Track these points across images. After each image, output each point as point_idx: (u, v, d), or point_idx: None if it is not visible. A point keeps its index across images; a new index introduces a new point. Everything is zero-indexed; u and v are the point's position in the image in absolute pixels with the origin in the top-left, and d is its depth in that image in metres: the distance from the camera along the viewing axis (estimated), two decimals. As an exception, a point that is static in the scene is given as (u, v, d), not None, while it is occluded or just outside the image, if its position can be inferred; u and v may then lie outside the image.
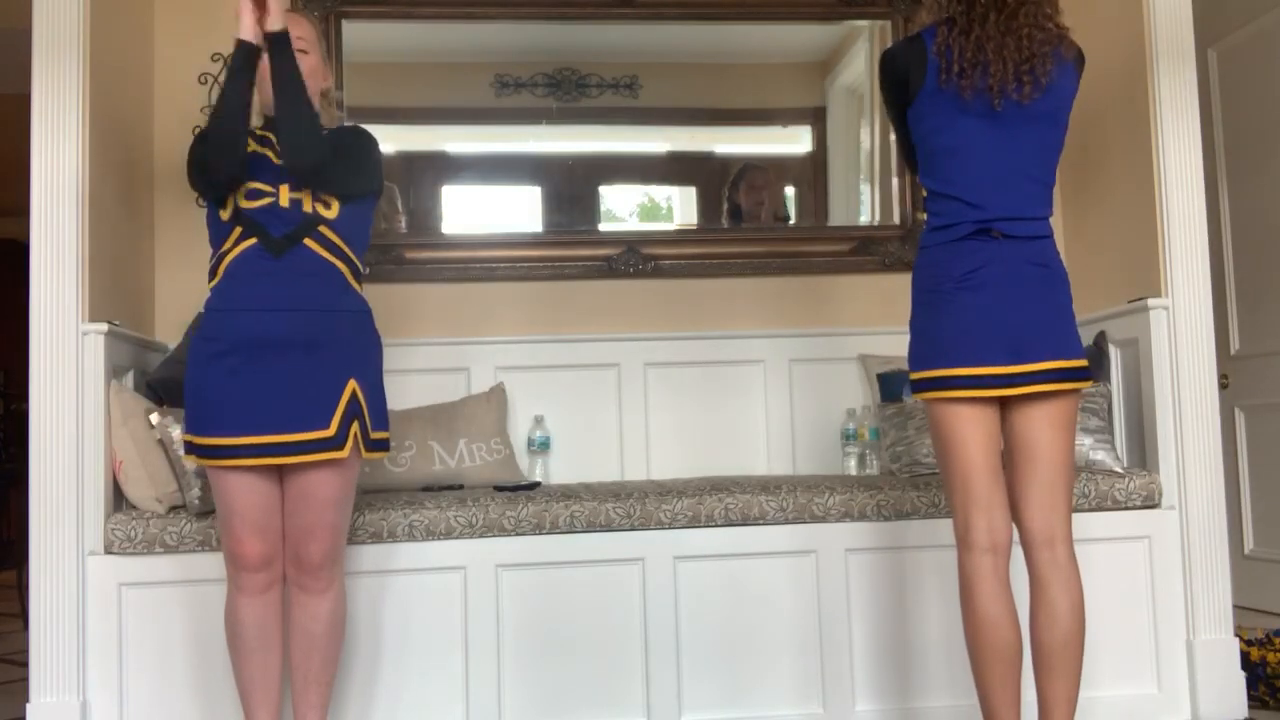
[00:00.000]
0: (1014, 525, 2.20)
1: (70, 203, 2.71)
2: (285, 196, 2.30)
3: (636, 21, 3.66)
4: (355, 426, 2.29)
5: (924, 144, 2.22)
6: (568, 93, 3.64)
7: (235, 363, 2.25)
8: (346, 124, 2.53)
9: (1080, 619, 2.14)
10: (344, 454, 2.27)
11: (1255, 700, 2.99)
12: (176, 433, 2.62)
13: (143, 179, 3.27)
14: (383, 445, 2.38)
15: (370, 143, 2.43)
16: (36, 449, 2.63)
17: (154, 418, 2.66)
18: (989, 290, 2.12)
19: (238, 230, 2.30)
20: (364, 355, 2.36)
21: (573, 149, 3.65)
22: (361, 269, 2.42)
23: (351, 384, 2.30)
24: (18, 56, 3.30)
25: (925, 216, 2.25)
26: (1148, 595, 2.88)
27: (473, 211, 3.63)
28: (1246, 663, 2.97)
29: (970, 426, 2.14)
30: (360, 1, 3.53)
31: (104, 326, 2.69)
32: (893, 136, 3.69)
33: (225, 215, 2.32)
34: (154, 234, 3.35)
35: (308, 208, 2.31)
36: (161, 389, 2.84)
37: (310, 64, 2.38)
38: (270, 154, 2.35)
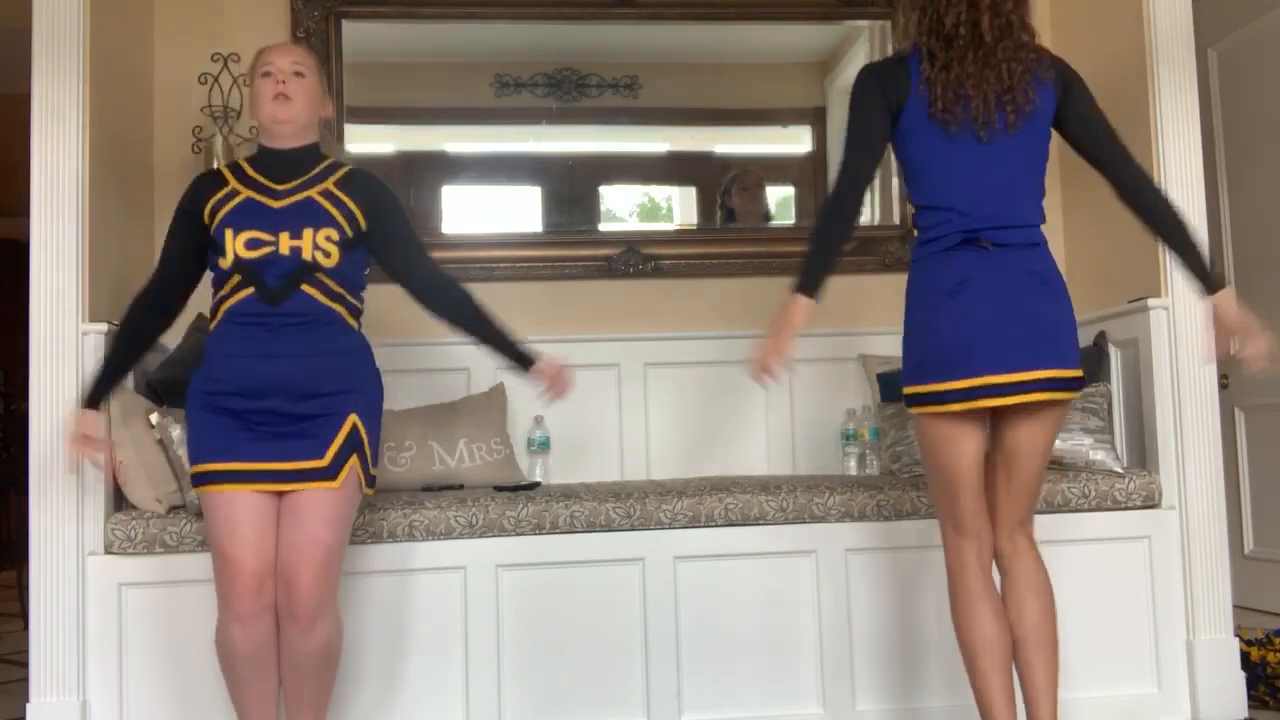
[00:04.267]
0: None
1: (70, 203, 2.71)
2: (285, 244, 2.29)
3: (636, 21, 3.66)
4: (355, 460, 2.31)
5: (910, 161, 2.23)
6: (568, 93, 3.64)
7: (235, 405, 2.28)
8: (350, 166, 2.50)
9: (1049, 602, 2.20)
10: (335, 484, 2.27)
11: (1255, 700, 2.99)
12: (176, 432, 2.62)
13: (143, 179, 3.27)
14: (372, 482, 2.40)
15: (395, 196, 2.51)
16: (36, 449, 2.63)
17: (154, 418, 2.66)
18: (980, 299, 2.11)
19: (236, 278, 2.30)
20: (364, 391, 2.37)
21: (573, 149, 3.65)
22: (360, 307, 2.44)
23: (352, 418, 2.32)
24: (18, 56, 3.29)
25: (917, 232, 2.25)
26: (1148, 595, 2.88)
27: (473, 211, 3.63)
28: (1246, 663, 2.97)
29: (962, 441, 2.16)
30: (360, 1, 3.53)
31: (104, 326, 2.69)
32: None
33: (225, 263, 2.31)
34: (154, 234, 3.35)
35: (307, 255, 2.30)
36: (161, 389, 2.84)
37: (309, 88, 2.39)
38: (266, 200, 2.34)
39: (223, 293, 2.33)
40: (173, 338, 3.16)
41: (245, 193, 2.35)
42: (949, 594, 2.23)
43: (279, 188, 2.36)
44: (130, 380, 2.85)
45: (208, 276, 2.42)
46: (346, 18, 3.52)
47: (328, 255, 2.32)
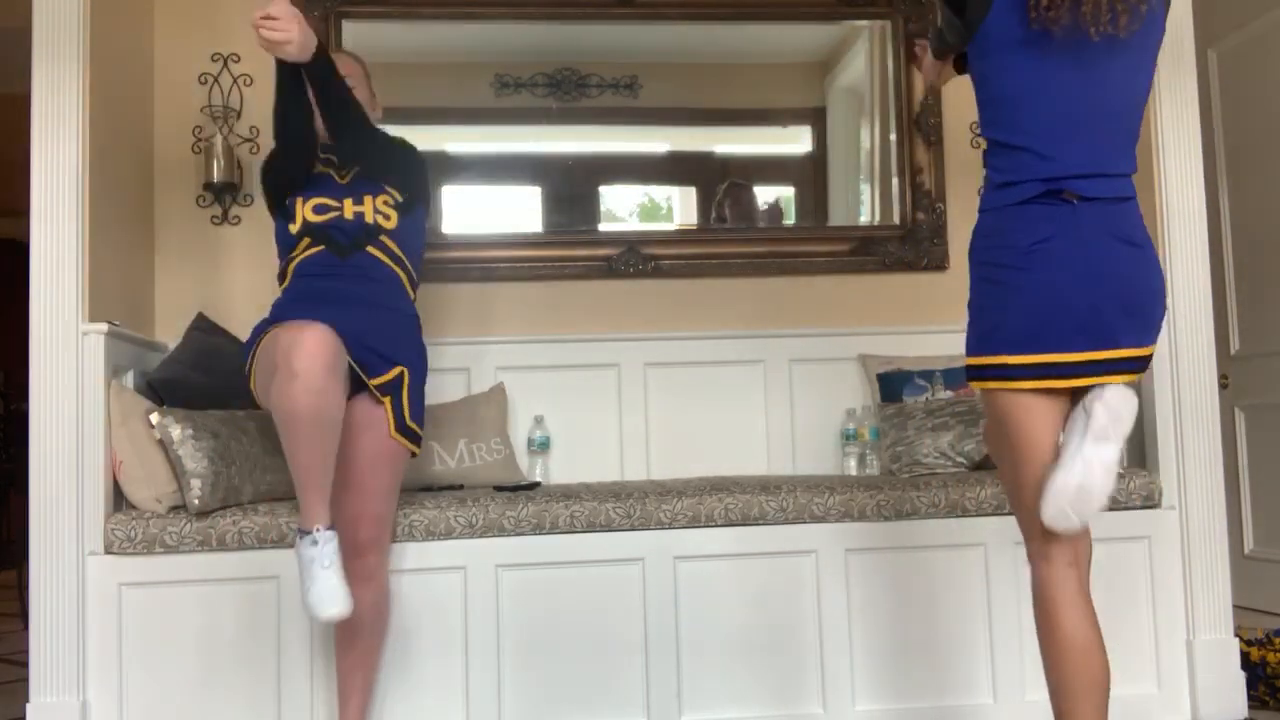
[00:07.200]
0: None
1: (70, 203, 2.71)
2: (349, 210, 2.50)
3: (636, 21, 3.66)
4: (389, 403, 2.44)
5: (986, 86, 1.91)
6: (568, 93, 3.64)
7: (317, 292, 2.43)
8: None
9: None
10: (409, 443, 2.45)
11: (1255, 700, 2.99)
12: (176, 432, 2.62)
13: (143, 179, 3.27)
14: (416, 439, 2.51)
15: (420, 155, 2.64)
16: (36, 449, 2.63)
17: (154, 418, 2.66)
18: (1061, 264, 1.83)
19: (306, 240, 2.49)
20: (415, 354, 2.54)
21: (573, 149, 3.65)
22: (417, 279, 2.61)
23: (399, 369, 2.47)
24: (18, 56, 3.30)
25: (986, 173, 1.96)
26: (1148, 595, 2.89)
27: (473, 211, 3.63)
28: (1246, 663, 2.97)
29: (1042, 422, 1.89)
30: (360, 1, 3.53)
31: (104, 326, 2.69)
32: (893, 135, 3.69)
33: (294, 229, 2.51)
34: (154, 234, 3.35)
35: (370, 219, 2.51)
36: (161, 389, 2.84)
37: (360, 97, 2.55)
38: (333, 172, 2.56)
39: (292, 254, 2.51)
40: (173, 338, 3.17)
41: (316, 166, 2.56)
42: (1037, 616, 1.91)
43: (344, 169, 2.59)
44: (130, 380, 2.85)
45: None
46: (347, 18, 3.52)
47: (387, 218, 2.53)
